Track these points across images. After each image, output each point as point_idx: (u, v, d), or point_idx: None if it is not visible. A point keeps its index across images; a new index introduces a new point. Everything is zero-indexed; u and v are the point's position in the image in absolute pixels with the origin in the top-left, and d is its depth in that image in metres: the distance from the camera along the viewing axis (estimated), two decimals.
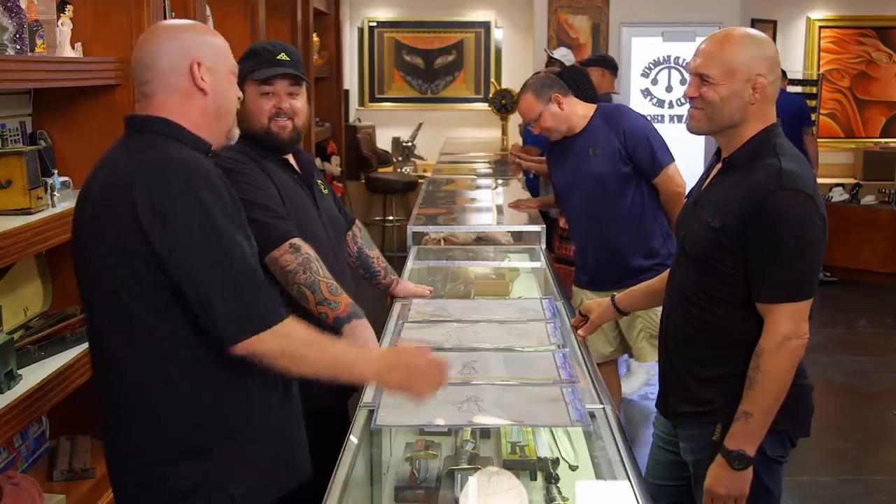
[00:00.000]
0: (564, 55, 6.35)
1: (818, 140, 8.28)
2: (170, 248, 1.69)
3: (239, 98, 1.97)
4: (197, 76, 1.83)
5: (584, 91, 4.04)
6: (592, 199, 3.63)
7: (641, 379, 5.10)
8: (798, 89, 8.69)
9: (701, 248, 2.20)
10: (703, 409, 2.23)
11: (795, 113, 7.13)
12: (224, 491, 1.81)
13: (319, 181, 2.66)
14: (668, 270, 2.43)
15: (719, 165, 2.26)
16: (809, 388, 2.29)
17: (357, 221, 2.90)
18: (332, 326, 2.28)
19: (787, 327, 2.09)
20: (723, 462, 2.14)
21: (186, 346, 1.78)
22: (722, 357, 2.21)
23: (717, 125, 2.19)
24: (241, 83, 2.14)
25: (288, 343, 1.76)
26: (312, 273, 2.31)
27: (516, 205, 4.59)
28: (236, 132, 2.42)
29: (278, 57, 2.42)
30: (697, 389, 2.24)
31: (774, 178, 2.09)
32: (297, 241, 2.34)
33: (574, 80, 4.13)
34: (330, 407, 2.52)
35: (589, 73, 4.49)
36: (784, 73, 7.50)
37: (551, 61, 6.28)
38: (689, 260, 2.26)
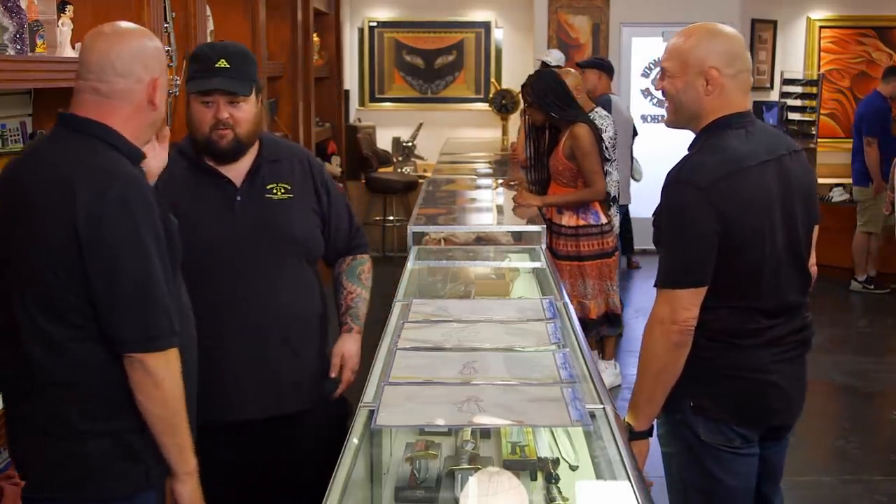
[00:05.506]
0: (559, 59, 6.47)
1: (819, 143, 8.23)
2: (96, 249, 1.77)
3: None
4: (155, 94, 1.90)
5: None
6: None
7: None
8: (798, 89, 8.68)
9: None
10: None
11: (862, 118, 7.09)
12: (142, 465, 1.89)
13: (283, 191, 2.40)
14: None
15: None
16: (762, 383, 2.21)
17: (360, 256, 2.61)
18: None
19: (661, 311, 2.16)
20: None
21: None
22: None
23: (682, 118, 2.27)
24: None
25: (169, 377, 1.84)
26: None
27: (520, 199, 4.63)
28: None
29: (217, 64, 2.23)
30: None
31: (676, 170, 2.19)
32: None
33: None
34: (341, 398, 2.50)
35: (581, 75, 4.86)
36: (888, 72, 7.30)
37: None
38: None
